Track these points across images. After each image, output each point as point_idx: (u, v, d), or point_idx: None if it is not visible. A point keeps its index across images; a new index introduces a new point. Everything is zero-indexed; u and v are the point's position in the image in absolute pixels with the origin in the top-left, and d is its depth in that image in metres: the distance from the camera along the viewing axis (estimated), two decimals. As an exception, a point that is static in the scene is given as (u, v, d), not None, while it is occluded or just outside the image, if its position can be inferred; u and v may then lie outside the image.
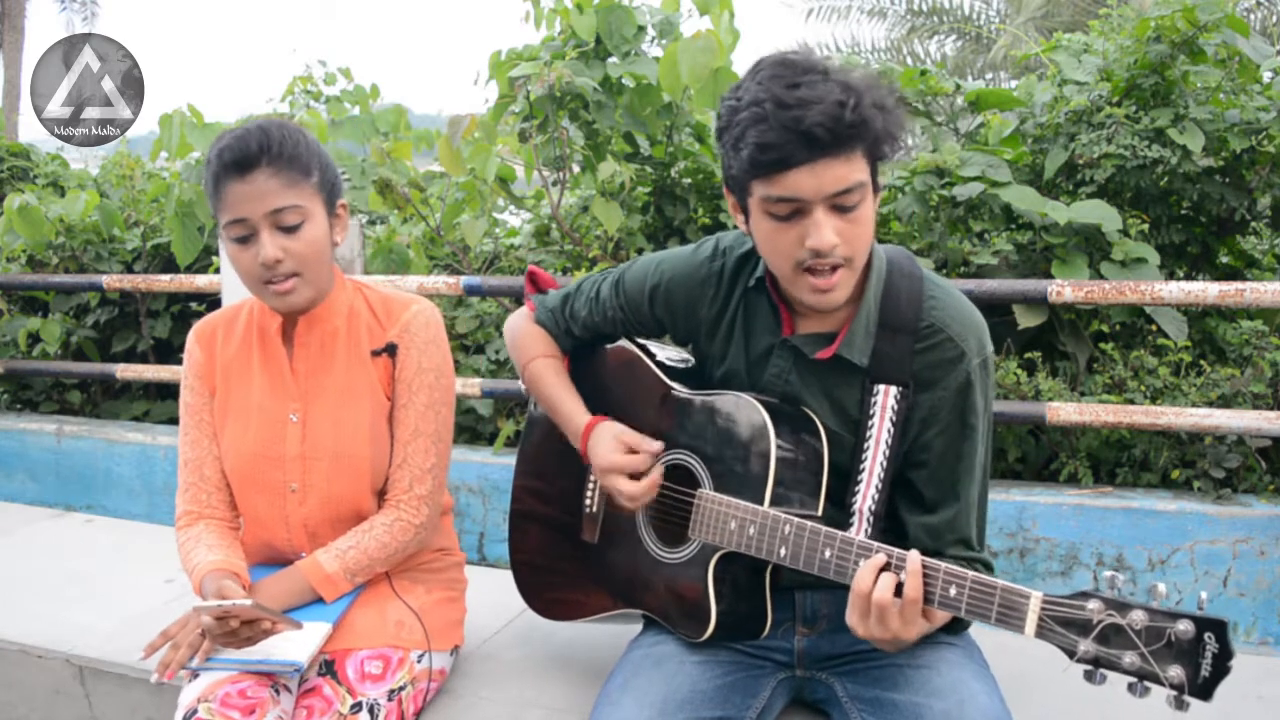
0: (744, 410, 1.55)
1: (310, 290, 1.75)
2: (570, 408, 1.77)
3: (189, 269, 4.19)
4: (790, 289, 1.49)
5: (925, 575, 1.33)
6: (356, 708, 1.66)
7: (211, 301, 4.17)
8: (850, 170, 1.36)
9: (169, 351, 4.50)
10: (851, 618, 1.38)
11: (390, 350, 1.83)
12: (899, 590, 1.34)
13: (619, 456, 1.64)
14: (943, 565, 1.33)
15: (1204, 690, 1.11)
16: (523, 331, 1.89)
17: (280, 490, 1.81)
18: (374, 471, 1.82)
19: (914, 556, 1.34)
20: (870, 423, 1.53)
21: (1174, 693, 1.12)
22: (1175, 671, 1.12)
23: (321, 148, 1.77)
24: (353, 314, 1.85)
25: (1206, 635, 1.11)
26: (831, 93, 1.33)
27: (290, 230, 1.69)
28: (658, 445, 1.64)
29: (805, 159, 1.34)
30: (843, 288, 1.45)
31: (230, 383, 1.85)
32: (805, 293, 1.46)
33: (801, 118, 1.32)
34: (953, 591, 1.30)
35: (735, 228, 1.66)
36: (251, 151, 1.66)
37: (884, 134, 1.38)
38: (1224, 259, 3.55)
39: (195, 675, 1.65)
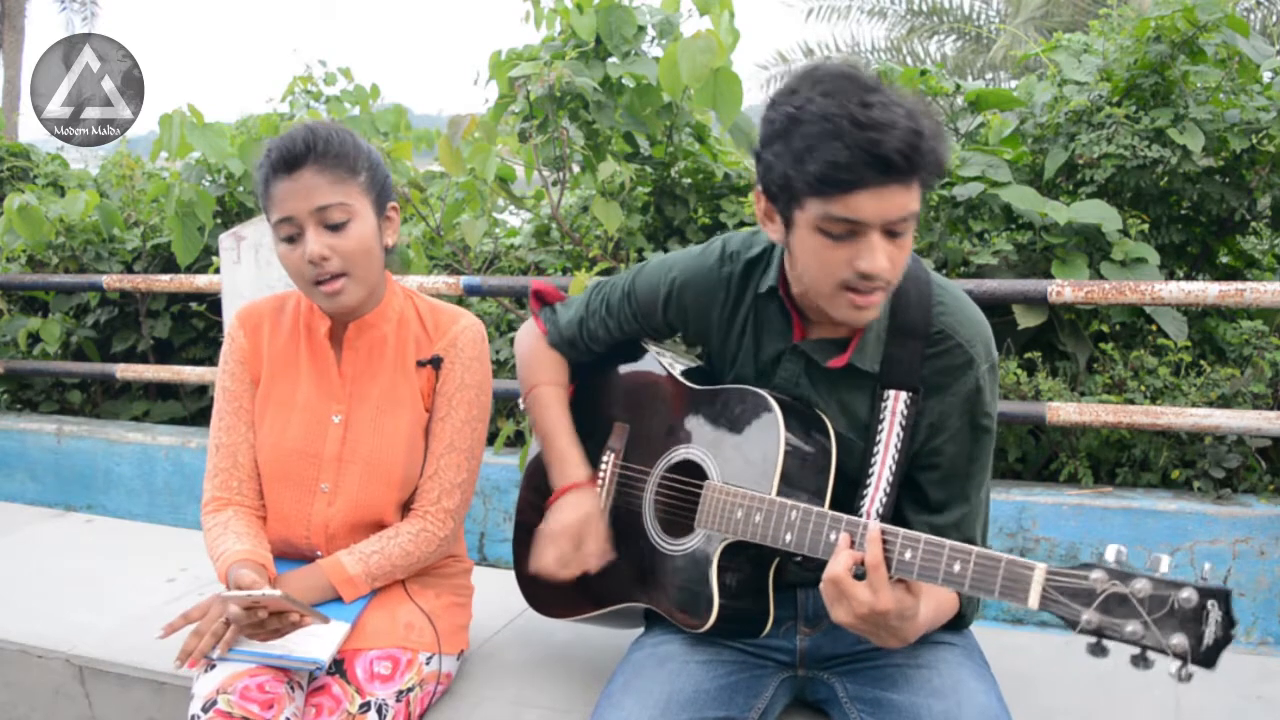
0: (754, 403, 1.57)
1: (360, 290, 1.75)
2: (563, 450, 1.78)
3: (189, 269, 4.18)
4: (825, 304, 1.47)
5: (929, 548, 1.31)
6: (365, 707, 1.66)
7: (211, 301, 4.18)
8: (910, 198, 1.36)
9: (169, 351, 4.50)
10: (831, 611, 1.37)
11: (435, 363, 1.83)
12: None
13: (561, 550, 1.68)
14: (923, 536, 1.32)
15: (1207, 658, 1.10)
16: (533, 353, 1.89)
17: (311, 489, 1.81)
18: (404, 481, 1.82)
19: (873, 524, 1.35)
20: (880, 427, 1.54)
21: (1178, 662, 1.11)
22: (1178, 640, 1.11)
23: (373, 150, 1.78)
24: (402, 322, 1.86)
25: (1210, 603, 1.10)
26: (903, 118, 1.32)
27: (336, 228, 1.69)
28: (599, 563, 1.69)
29: (875, 183, 1.32)
30: (877, 308, 1.46)
31: (275, 375, 1.85)
32: (842, 309, 1.44)
33: (879, 141, 1.30)
34: (958, 567, 1.28)
35: (735, 228, 1.67)
36: (298, 150, 1.67)
37: (943, 166, 1.39)
38: (1224, 259, 3.55)
39: (211, 665, 1.65)
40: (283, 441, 1.81)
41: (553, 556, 1.68)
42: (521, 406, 1.93)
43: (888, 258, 1.38)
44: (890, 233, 1.38)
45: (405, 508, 1.86)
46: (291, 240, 1.70)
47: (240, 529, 1.78)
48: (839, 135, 1.31)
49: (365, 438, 1.80)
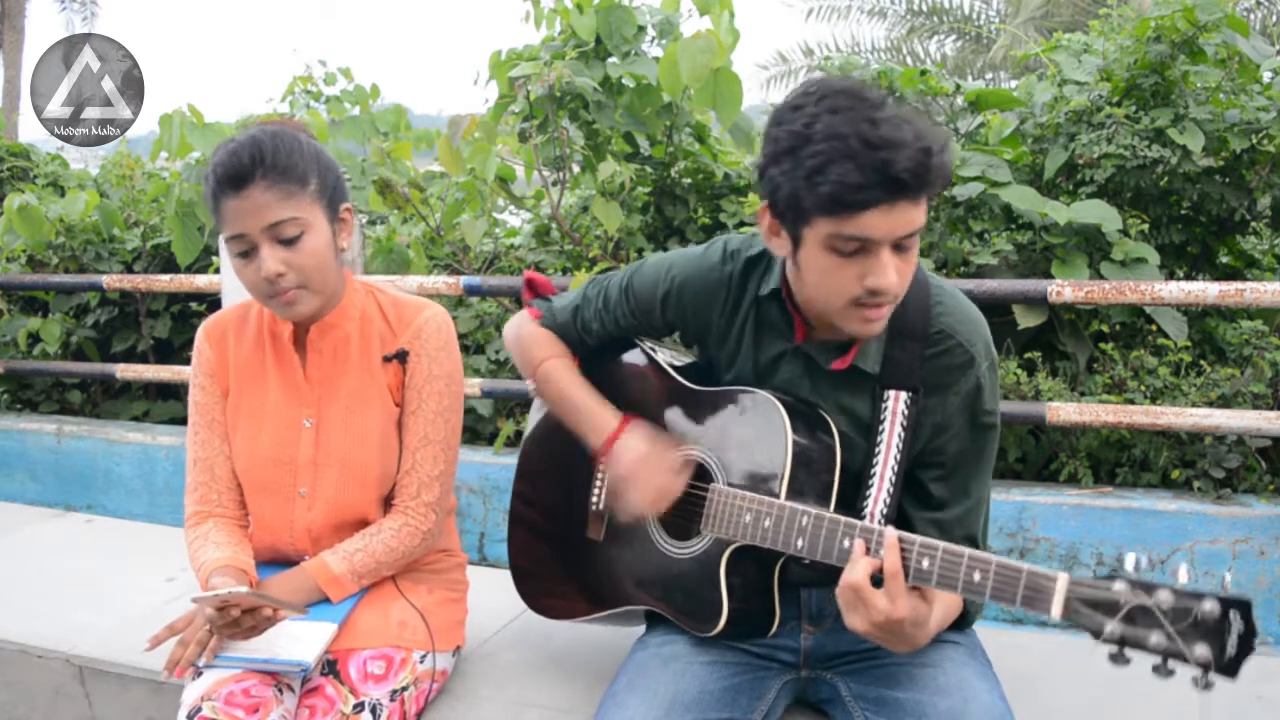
0: (761, 406, 1.56)
1: (317, 300, 1.74)
2: (592, 405, 1.73)
3: (189, 269, 4.18)
4: (835, 319, 1.47)
5: (947, 558, 1.31)
6: (359, 708, 1.66)
7: (211, 301, 4.17)
8: (919, 213, 1.37)
9: (169, 351, 4.49)
10: (846, 618, 1.37)
11: (401, 356, 1.82)
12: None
13: (666, 480, 1.60)
14: (940, 543, 1.32)
15: (1230, 668, 1.11)
16: (529, 335, 1.85)
17: (289, 495, 1.81)
18: (382, 479, 1.81)
19: (890, 531, 1.34)
20: (881, 427, 1.54)
21: (1200, 671, 1.12)
22: (1202, 650, 1.12)
23: (321, 151, 1.74)
24: (365, 319, 1.84)
25: (1232, 613, 1.11)
26: (911, 135, 1.32)
27: (290, 243, 1.67)
28: (682, 484, 1.62)
29: (886, 201, 1.33)
30: (886, 319, 1.47)
31: (243, 384, 1.85)
32: (853, 323, 1.45)
33: (891, 161, 1.30)
34: (977, 576, 1.28)
35: (735, 228, 1.66)
36: (244, 165, 1.64)
37: (949, 179, 1.40)
38: (1224, 259, 3.55)
39: (199, 673, 1.65)
40: (256, 450, 1.81)
41: (641, 495, 1.61)
42: (530, 389, 1.88)
43: (897, 272, 1.40)
44: (898, 247, 1.39)
45: (388, 504, 1.85)
46: (245, 255, 1.68)
47: (220, 539, 1.78)
48: (851, 155, 1.31)
49: (338, 439, 1.80)
